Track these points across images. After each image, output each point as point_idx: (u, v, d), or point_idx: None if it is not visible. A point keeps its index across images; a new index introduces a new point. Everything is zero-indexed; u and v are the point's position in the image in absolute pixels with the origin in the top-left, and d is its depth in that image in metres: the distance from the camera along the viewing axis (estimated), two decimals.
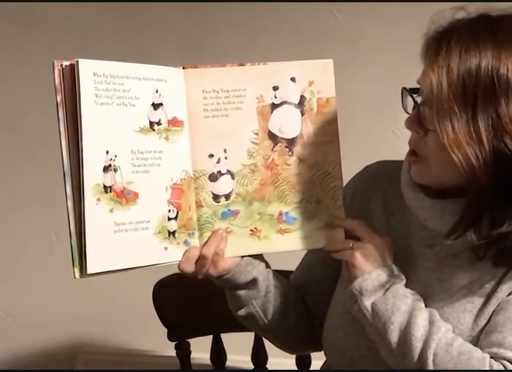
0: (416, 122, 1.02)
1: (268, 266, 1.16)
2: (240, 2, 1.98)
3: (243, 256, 1.11)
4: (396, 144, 1.86)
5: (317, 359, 1.32)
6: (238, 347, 1.63)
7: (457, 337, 1.01)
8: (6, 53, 2.10)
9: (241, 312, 1.16)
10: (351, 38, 1.95)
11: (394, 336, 1.02)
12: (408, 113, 1.05)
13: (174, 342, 1.61)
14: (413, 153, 1.05)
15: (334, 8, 1.95)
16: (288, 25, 1.98)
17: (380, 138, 1.92)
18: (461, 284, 1.05)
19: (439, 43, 0.98)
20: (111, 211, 1.01)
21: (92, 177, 0.99)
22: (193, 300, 1.58)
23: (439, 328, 1.01)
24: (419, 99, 1.03)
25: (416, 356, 1.00)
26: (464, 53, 0.96)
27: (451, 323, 1.03)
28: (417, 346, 1.00)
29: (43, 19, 2.08)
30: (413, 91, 1.04)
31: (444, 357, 0.99)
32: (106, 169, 1.00)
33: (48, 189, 1.94)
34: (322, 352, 1.19)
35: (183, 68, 1.07)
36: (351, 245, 1.08)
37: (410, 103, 1.04)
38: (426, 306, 1.05)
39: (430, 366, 0.99)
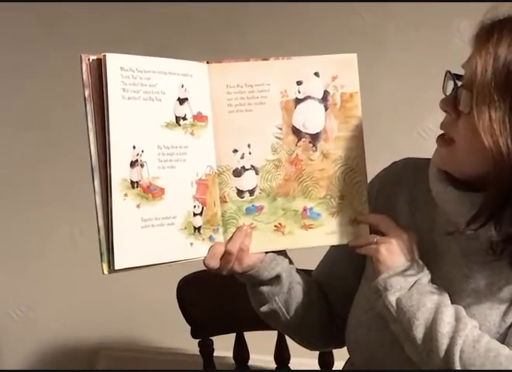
0: (452, 104, 1.02)
1: (291, 262, 1.16)
2: (266, 2, 1.98)
3: (267, 252, 1.11)
4: (421, 145, 1.85)
5: (340, 360, 1.31)
6: (261, 346, 1.62)
7: (484, 334, 1.00)
8: (33, 49, 2.10)
9: (264, 309, 1.16)
10: (377, 39, 1.94)
11: (419, 333, 1.01)
12: (446, 96, 1.05)
13: (198, 340, 1.61)
14: (442, 136, 1.05)
15: (361, 10, 1.95)
16: (314, 26, 1.98)
17: (406, 138, 1.91)
18: (488, 280, 1.04)
19: (491, 31, 0.98)
20: (138, 206, 1.00)
21: (119, 172, 0.99)
22: (217, 297, 1.58)
23: (465, 325, 1.00)
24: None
25: (442, 353, 0.99)
26: None
27: (478, 320, 1.02)
28: (443, 342, 0.99)
29: (69, 16, 2.09)
30: (456, 77, 1.04)
31: (471, 354, 0.98)
32: (133, 164, 1.00)
33: (73, 185, 1.96)
34: (345, 351, 1.18)
35: (207, 63, 1.07)
36: (375, 240, 1.08)
37: (451, 86, 1.04)
38: (451, 302, 1.03)
39: (457, 363, 0.98)
